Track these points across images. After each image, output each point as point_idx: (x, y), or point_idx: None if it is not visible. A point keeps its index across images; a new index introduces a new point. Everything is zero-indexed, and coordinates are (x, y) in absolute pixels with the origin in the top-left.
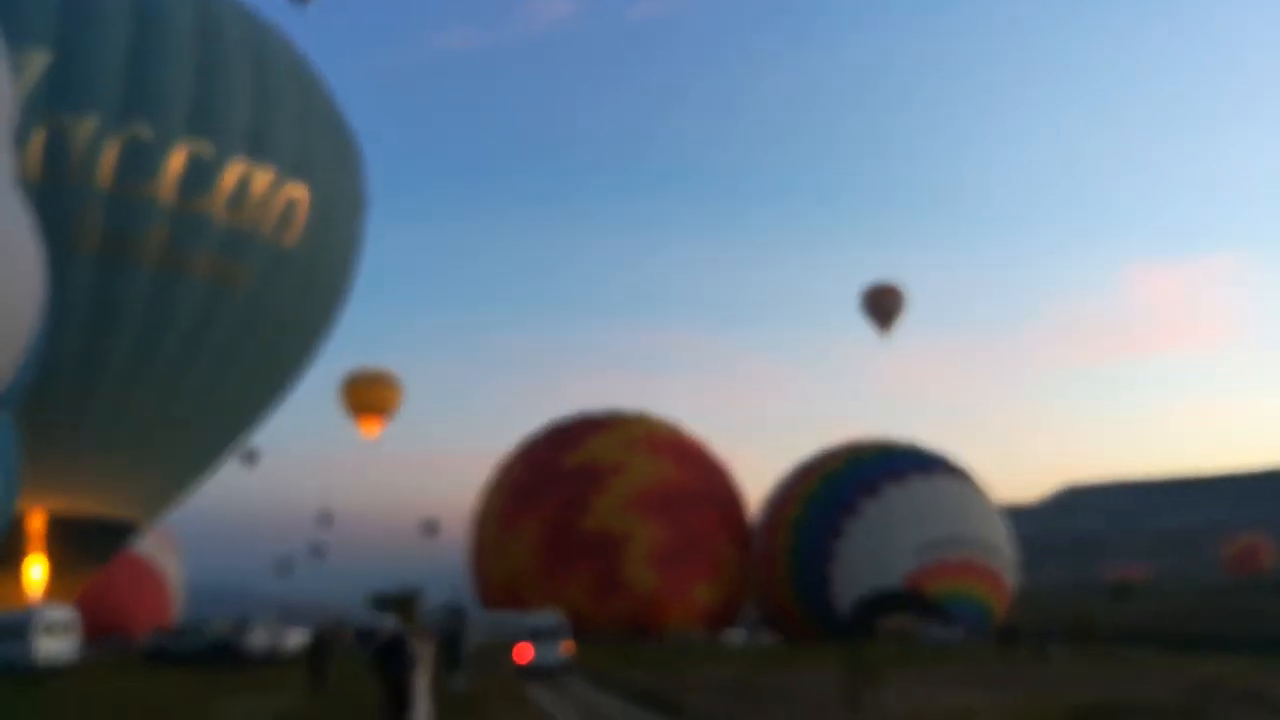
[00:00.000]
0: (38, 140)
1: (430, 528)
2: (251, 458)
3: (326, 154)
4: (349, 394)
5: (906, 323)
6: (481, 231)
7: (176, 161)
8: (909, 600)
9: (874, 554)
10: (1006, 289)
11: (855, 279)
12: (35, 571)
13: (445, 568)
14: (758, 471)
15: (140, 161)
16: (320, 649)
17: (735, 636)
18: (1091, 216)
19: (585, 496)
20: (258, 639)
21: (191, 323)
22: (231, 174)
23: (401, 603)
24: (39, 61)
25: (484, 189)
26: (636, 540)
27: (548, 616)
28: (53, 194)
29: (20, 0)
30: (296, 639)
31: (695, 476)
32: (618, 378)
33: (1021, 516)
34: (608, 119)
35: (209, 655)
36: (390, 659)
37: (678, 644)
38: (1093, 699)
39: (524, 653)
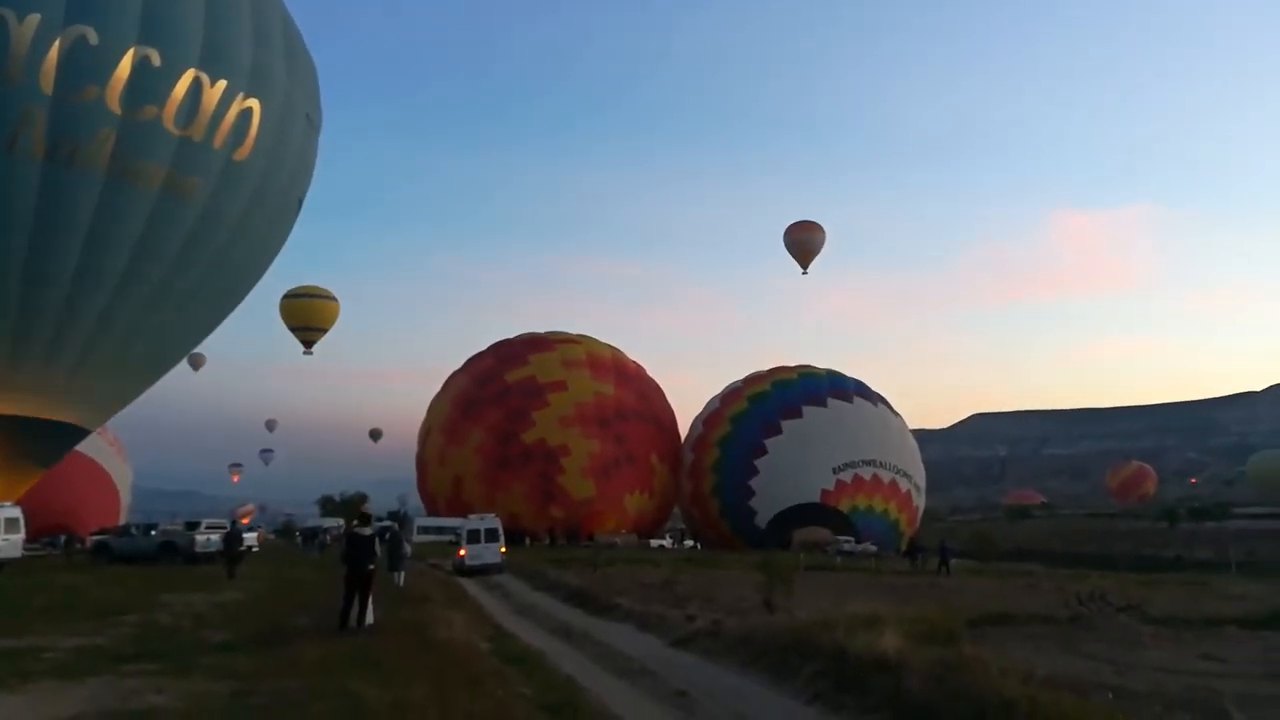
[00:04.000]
0: None
1: (375, 435)
2: (196, 363)
3: (281, 69)
4: (286, 311)
5: (838, 259)
6: (426, 153)
7: (124, 68)
8: (823, 514)
9: (793, 471)
10: (936, 230)
11: (789, 217)
12: None
13: (390, 475)
14: (691, 395)
15: (86, 65)
16: (231, 544)
17: (663, 544)
18: (1022, 164)
19: (526, 410)
20: (203, 539)
21: (141, 231)
22: (182, 85)
23: (350, 506)
24: None
25: (431, 111)
26: (574, 454)
27: (483, 521)
28: None
29: None
30: (248, 537)
31: (632, 395)
32: (557, 301)
33: (932, 442)
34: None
35: (156, 554)
36: (357, 553)
37: (609, 549)
38: (988, 609)
39: (460, 553)
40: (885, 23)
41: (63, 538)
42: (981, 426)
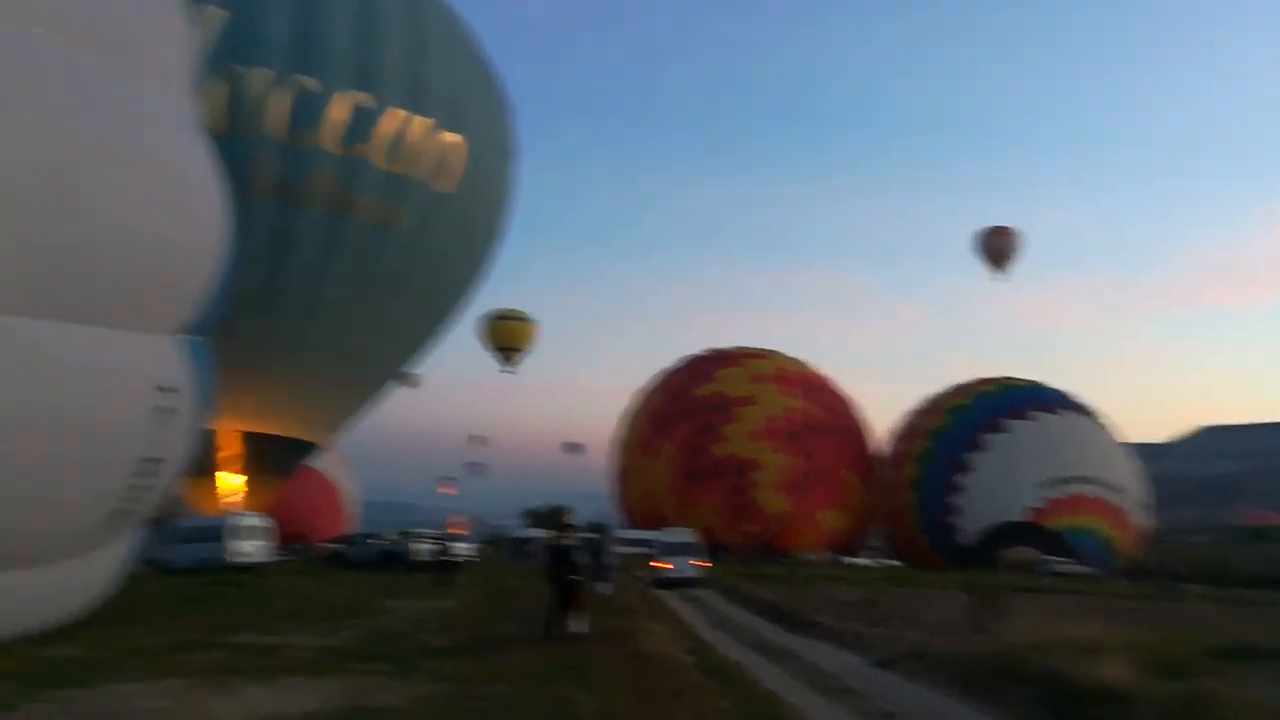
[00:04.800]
0: (217, 92)
1: (574, 449)
2: (413, 384)
3: (479, 105)
4: (487, 332)
5: (1038, 264)
6: (619, 173)
7: (341, 112)
8: (1032, 533)
9: (998, 487)
10: (1139, 232)
11: (982, 220)
12: (230, 482)
13: (590, 488)
14: (882, 406)
15: (308, 112)
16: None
17: (859, 561)
18: (1224, 161)
19: (715, 425)
20: (424, 548)
21: (358, 261)
22: (390, 124)
23: (551, 518)
24: (216, 17)
25: (619, 130)
26: (766, 468)
27: (682, 534)
28: (232, 142)
29: None
30: (460, 550)
31: (821, 409)
32: (746, 316)
33: (1154, 457)
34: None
35: (380, 561)
36: (562, 565)
37: (804, 566)
38: (1226, 639)
39: (659, 565)
40: (1063, 24)
41: (302, 545)
42: (1212, 440)
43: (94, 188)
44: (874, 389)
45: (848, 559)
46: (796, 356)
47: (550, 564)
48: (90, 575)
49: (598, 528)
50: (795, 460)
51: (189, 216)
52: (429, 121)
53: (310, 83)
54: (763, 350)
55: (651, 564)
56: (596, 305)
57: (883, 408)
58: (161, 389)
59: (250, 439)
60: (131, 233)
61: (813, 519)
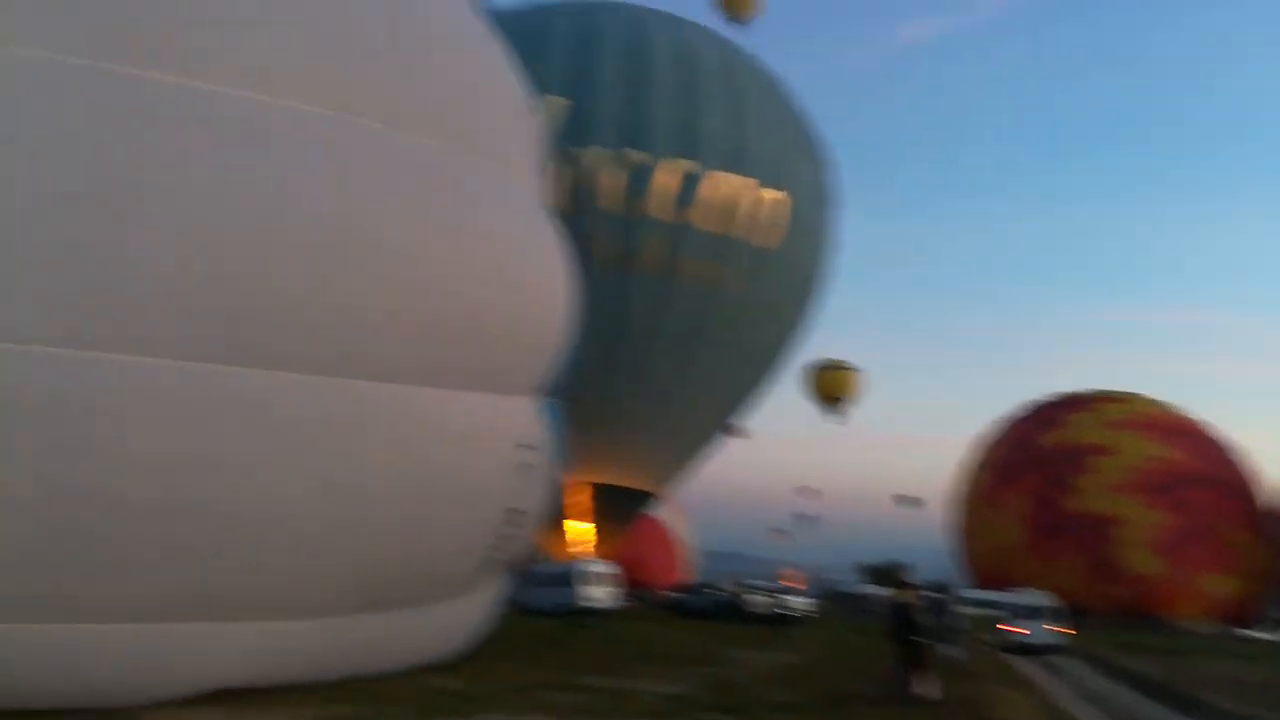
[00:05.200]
0: (560, 172)
1: (909, 502)
2: (742, 436)
3: (798, 159)
4: (812, 383)
5: None
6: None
7: (667, 180)
8: None
9: None
10: None
11: None
12: (579, 530)
13: (925, 543)
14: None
15: (639, 183)
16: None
17: (1258, 634)
18: None
19: (1066, 476)
20: (759, 600)
21: (688, 320)
22: (713, 186)
23: (889, 574)
24: (558, 105)
25: (941, 174)
26: (1130, 525)
27: (1036, 596)
28: (574, 217)
29: (543, 58)
30: (795, 603)
31: (1194, 458)
32: (1097, 357)
33: None
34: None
35: (718, 611)
36: (905, 625)
37: (1186, 636)
38: None
39: (1012, 630)
40: None
41: (643, 592)
42: None
43: (461, 268)
44: (1263, 436)
45: (1242, 631)
46: (1160, 399)
47: (893, 623)
48: (467, 616)
49: (940, 587)
50: (1165, 516)
51: (542, 290)
52: (751, 181)
53: (640, 156)
54: (1120, 394)
55: (1002, 627)
56: (925, 351)
57: (1274, 457)
58: (522, 446)
59: (596, 490)
60: (495, 307)
61: (1192, 584)
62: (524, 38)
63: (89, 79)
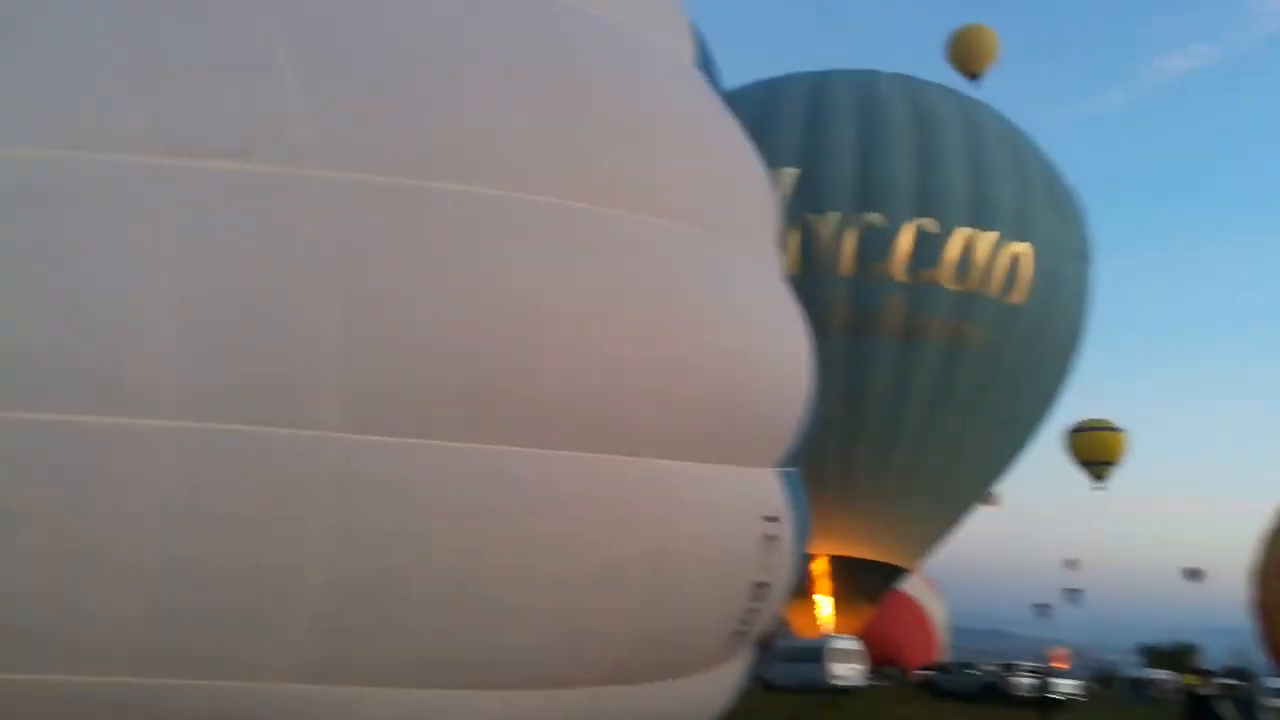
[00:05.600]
0: (793, 240)
1: (1194, 575)
2: (996, 504)
3: (1045, 211)
4: (1073, 446)
5: None
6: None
7: (905, 240)
8: None
9: None
10: None
11: None
12: (824, 606)
13: (1214, 623)
14: None
15: (875, 245)
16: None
17: None
18: None
19: None
20: (1024, 681)
21: (933, 383)
22: (956, 244)
23: (1177, 658)
24: (790, 175)
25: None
26: None
27: None
28: (807, 283)
29: (775, 130)
30: (1064, 685)
31: None
32: None
33: None
34: None
35: (978, 692)
36: (1203, 717)
37: None
38: None
39: None
40: None
41: (894, 670)
42: None
43: (705, 342)
44: None
45: None
46: None
47: (1189, 715)
48: (714, 691)
49: (1242, 674)
50: None
51: (784, 360)
52: (994, 235)
53: (876, 218)
54: None
55: None
56: (1205, 407)
57: None
58: (767, 518)
59: (840, 563)
60: (737, 379)
61: None
62: (756, 112)
63: (373, 192)
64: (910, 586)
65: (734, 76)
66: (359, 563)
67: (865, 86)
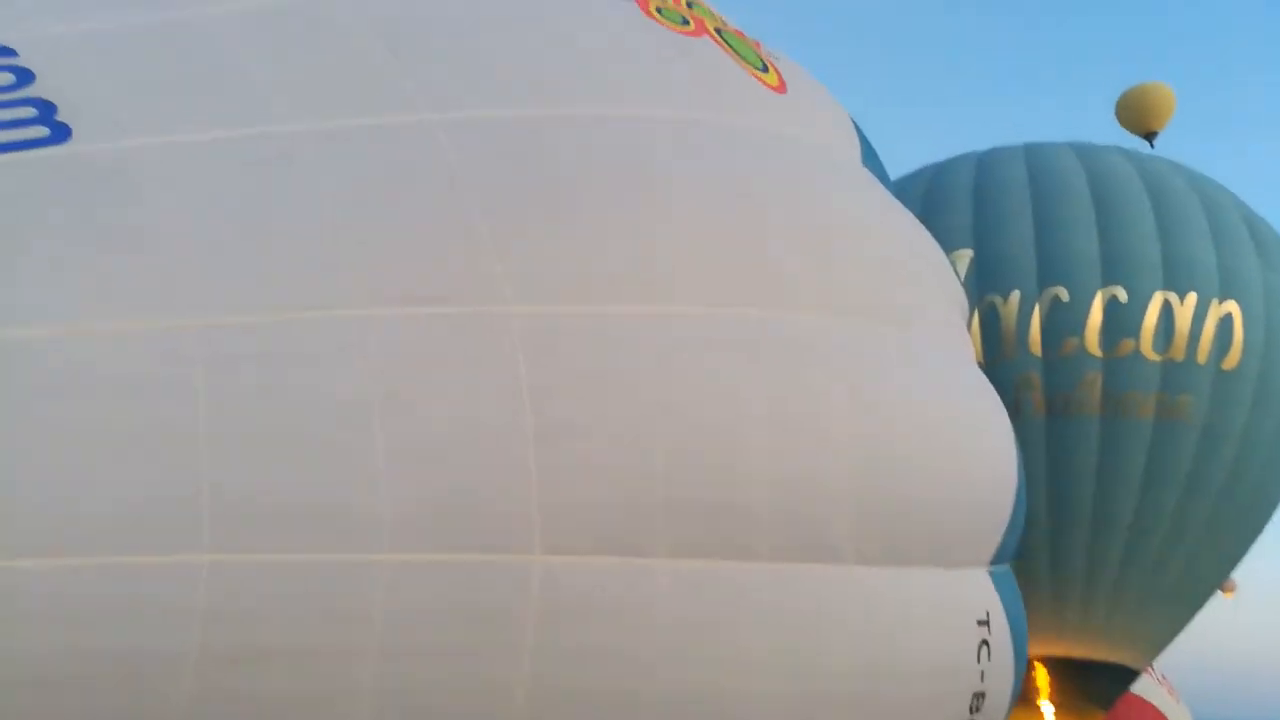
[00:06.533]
0: (975, 324)
1: None
2: (1231, 591)
3: (1251, 263)
4: None
5: None
6: None
7: (1096, 313)
8: None
9: None
10: None
11: None
12: (1047, 714)
13: None
14: None
15: (1063, 320)
16: None
17: None
18: None
19: None
20: None
21: (1146, 462)
22: (1152, 310)
23: None
24: (965, 257)
25: None
26: None
27: None
28: (1001, 368)
29: (944, 214)
30: None
31: None
32: None
33: None
34: None
35: None
36: None
37: None
38: None
39: None
40: None
41: None
42: None
43: (904, 442)
44: None
45: None
46: None
47: None
48: None
49: None
50: None
51: (985, 451)
52: (1194, 296)
53: (1061, 292)
54: None
55: None
56: None
57: None
58: (981, 622)
59: (1061, 666)
60: (939, 476)
61: None
62: (925, 197)
63: (564, 320)
64: (1145, 689)
65: (906, 164)
66: (566, 684)
67: (1034, 157)
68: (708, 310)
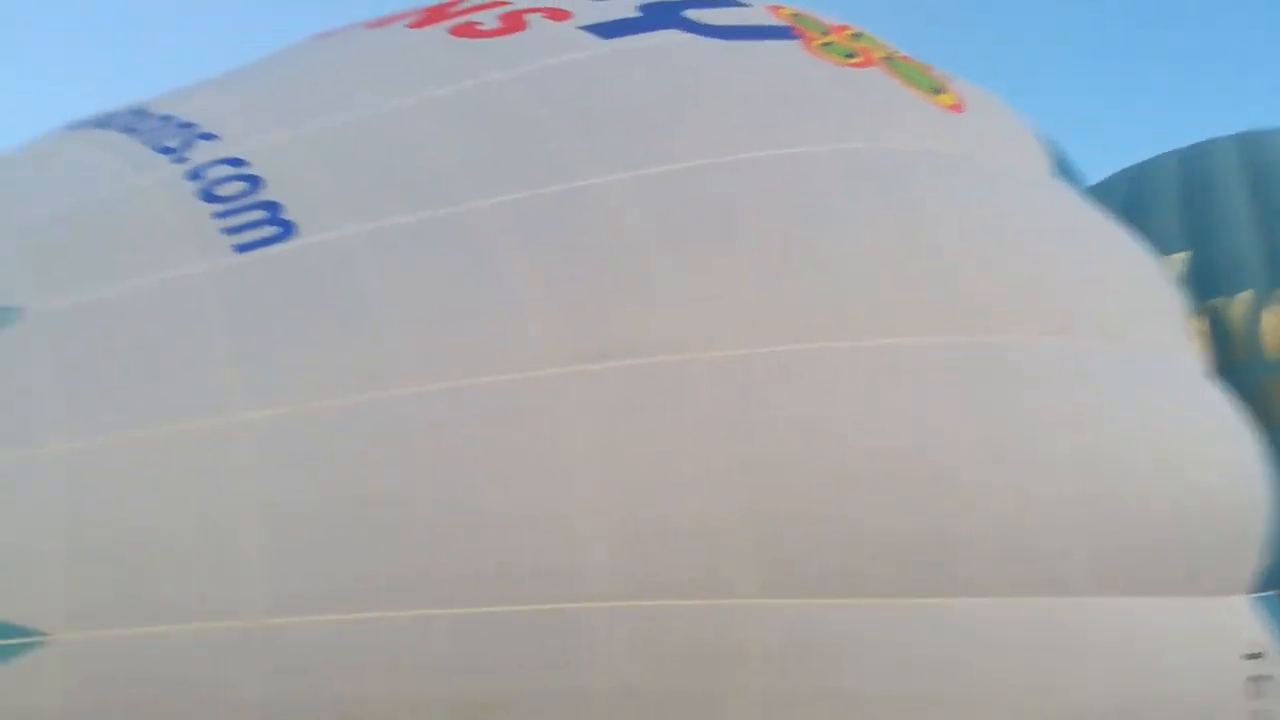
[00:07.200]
0: (1206, 330)
1: None
2: None
3: None
4: None
5: None
6: None
7: None
8: None
9: None
10: None
11: None
12: None
13: None
14: None
15: None
16: None
17: None
18: None
19: None
20: None
21: None
22: None
23: None
24: (1179, 260)
25: None
26: None
27: None
28: (1235, 375)
29: (1150, 217)
30: None
31: None
32: None
33: None
34: None
35: None
36: None
37: None
38: None
39: None
40: None
41: None
42: None
43: (1136, 464)
44: None
45: None
46: None
47: None
48: None
49: None
50: None
51: (1227, 466)
52: None
53: None
54: None
55: None
56: None
57: None
58: (1249, 656)
59: None
60: (1179, 495)
61: None
62: (1128, 201)
63: (755, 361)
64: None
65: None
66: None
67: (1248, 148)
68: (910, 339)
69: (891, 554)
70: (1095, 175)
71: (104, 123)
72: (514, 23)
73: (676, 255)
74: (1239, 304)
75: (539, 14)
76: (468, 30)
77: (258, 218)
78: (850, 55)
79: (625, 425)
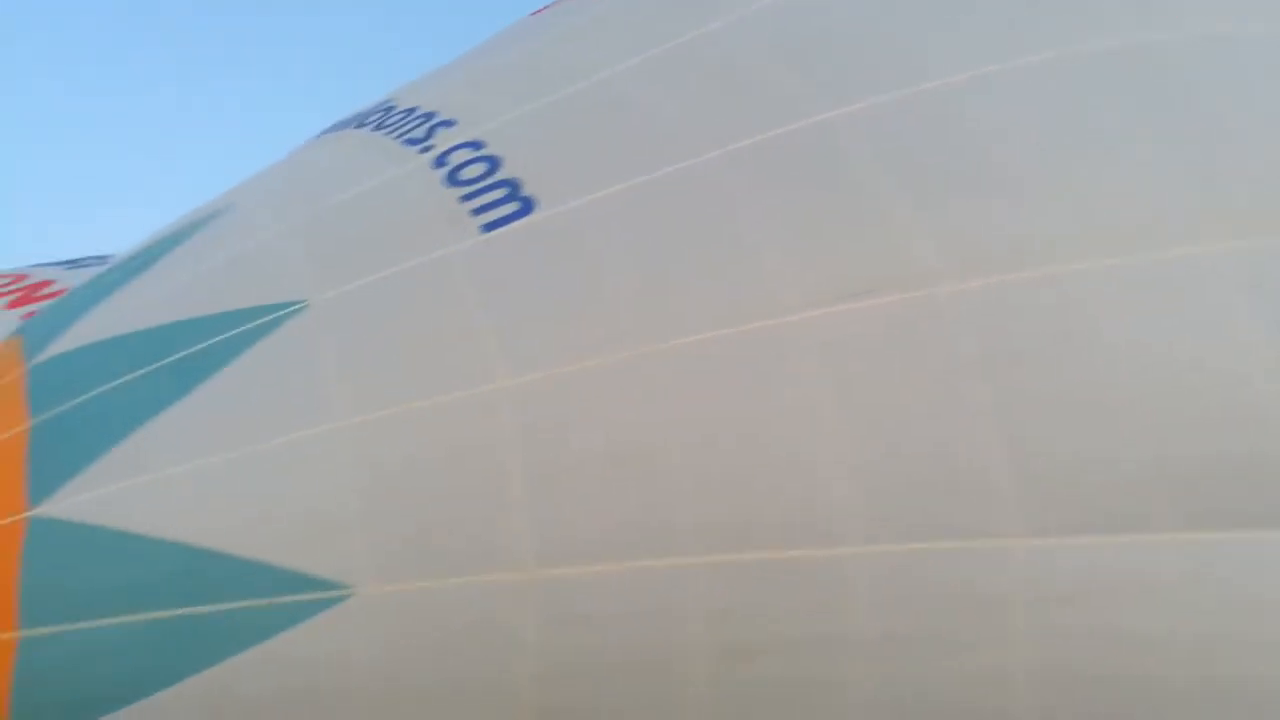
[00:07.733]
0: None
1: None
2: None
3: None
4: None
5: None
6: None
7: None
8: None
9: None
10: None
11: None
12: None
13: None
14: None
15: None
16: None
17: None
18: None
19: None
20: None
21: None
22: None
23: None
24: None
25: None
26: None
27: None
28: None
29: None
30: None
31: None
32: None
33: None
34: None
35: None
36: None
37: None
38: None
39: None
40: None
41: None
42: None
43: None
44: None
45: None
46: None
47: None
48: None
49: None
50: None
51: None
52: None
53: None
54: None
55: None
56: None
57: None
58: None
59: None
60: None
61: None
62: None
63: (1008, 291)
64: None
65: None
66: (1073, 668)
67: None
68: (1174, 252)
69: (1169, 483)
70: None
71: (359, 122)
72: None
73: (913, 184)
74: None
75: None
76: None
77: (499, 196)
78: None
79: (869, 369)
